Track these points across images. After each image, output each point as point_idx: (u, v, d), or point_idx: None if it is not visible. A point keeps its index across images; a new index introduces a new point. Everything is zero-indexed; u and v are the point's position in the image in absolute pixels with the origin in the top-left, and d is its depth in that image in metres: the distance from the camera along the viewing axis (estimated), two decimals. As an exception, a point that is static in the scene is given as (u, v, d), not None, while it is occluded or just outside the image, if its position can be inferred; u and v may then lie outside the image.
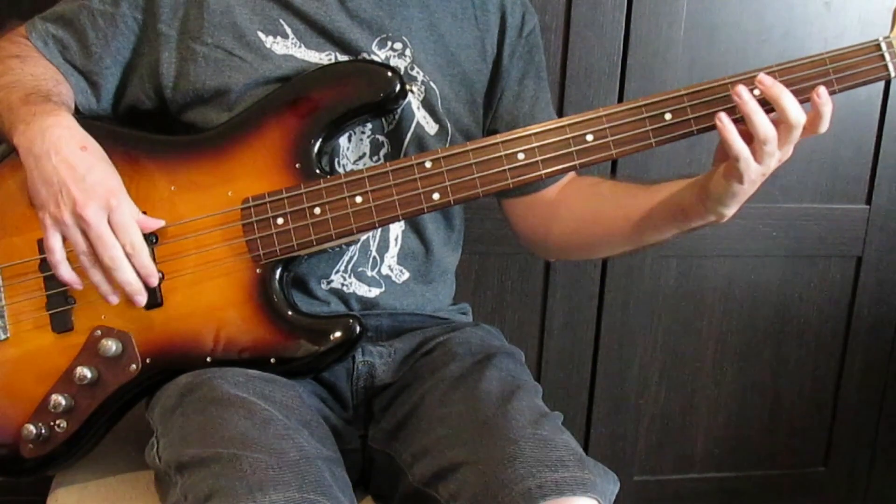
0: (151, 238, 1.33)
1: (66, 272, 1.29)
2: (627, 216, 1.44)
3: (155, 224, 1.32)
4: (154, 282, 1.31)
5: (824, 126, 1.25)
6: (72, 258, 1.28)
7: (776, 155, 1.25)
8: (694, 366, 2.40)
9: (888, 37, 1.27)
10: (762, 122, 1.23)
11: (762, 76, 1.24)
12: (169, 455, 1.24)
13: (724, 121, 1.24)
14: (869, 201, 2.33)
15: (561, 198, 1.55)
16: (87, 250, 1.26)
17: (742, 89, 1.24)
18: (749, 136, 1.24)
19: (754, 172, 1.25)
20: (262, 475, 1.12)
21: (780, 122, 1.23)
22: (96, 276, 1.28)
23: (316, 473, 1.16)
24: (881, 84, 2.24)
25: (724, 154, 1.26)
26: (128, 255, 1.27)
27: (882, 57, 1.27)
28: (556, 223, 1.54)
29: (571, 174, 1.57)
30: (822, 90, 1.24)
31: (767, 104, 1.24)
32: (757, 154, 1.24)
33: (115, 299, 1.31)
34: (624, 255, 2.13)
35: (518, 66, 1.54)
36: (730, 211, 1.32)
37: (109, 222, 1.26)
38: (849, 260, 2.37)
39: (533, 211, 1.56)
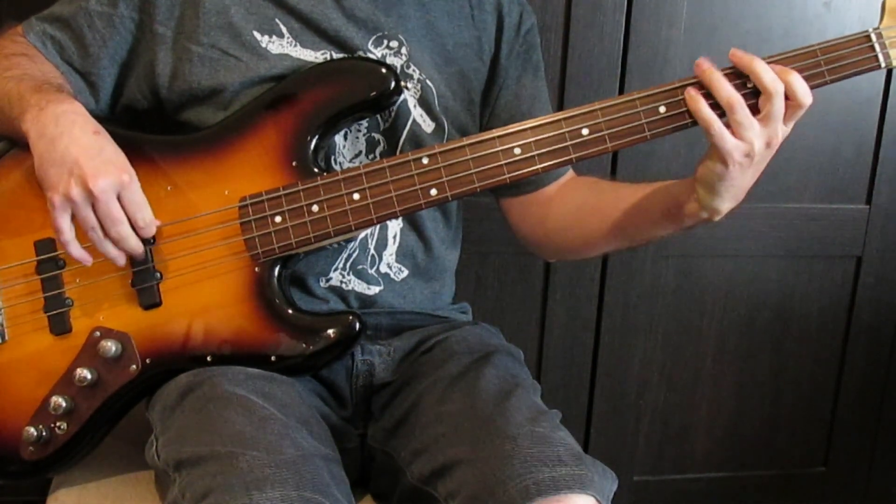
0: (149, 238, 1.33)
1: (76, 250, 1.29)
2: (625, 209, 1.43)
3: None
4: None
5: (801, 94, 1.23)
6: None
7: (754, 128, 1.23)
8: (694, 366, 2.40)
9: (878, 28, 1.28)
10: (724, 88, 1.24)
11: (733, 50, 1.25)
12: (167, 453, 1.24)
13: (692, 93, 1.26)
14: (869, 201, 2.33)
15: (559, 195, 1.55)
16: (97, 226, 1.26)
17: (703, 60, 1.26)
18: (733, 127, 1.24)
19: (735, 150, 1.24)
20: (259, 473, 1.12)
21: (761, 93, 1.24)
22: (108, 250, 1.29)
23: (313, 472, 1.16)
24: (881, 84, 2.25)
25: None
26: (138, 230, 1.28)
27: (872, 48, 1.28)
28: (554, 219, 1.54)
29: (570, 174, 1.57)
30: (777, 69, 1.24)
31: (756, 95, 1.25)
32: (732, 126, 1.24)
33: (122, 261, 1.31)
34: (622, 252, 2.15)
35: (516, 65, 1.54)
36: (722, 204, 1.30)
37: (120, 199, 1.27)
38: (849, 260, 2.37)
39: (531, 209, 1.56)
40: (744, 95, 1.24)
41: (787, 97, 1.24)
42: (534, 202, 1.56)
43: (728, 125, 1.24)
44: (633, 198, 1.43)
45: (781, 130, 1.26)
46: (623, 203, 1.44)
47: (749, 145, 1.24)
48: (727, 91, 1.24)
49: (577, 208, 1.52)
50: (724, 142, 1.23)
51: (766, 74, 1.23)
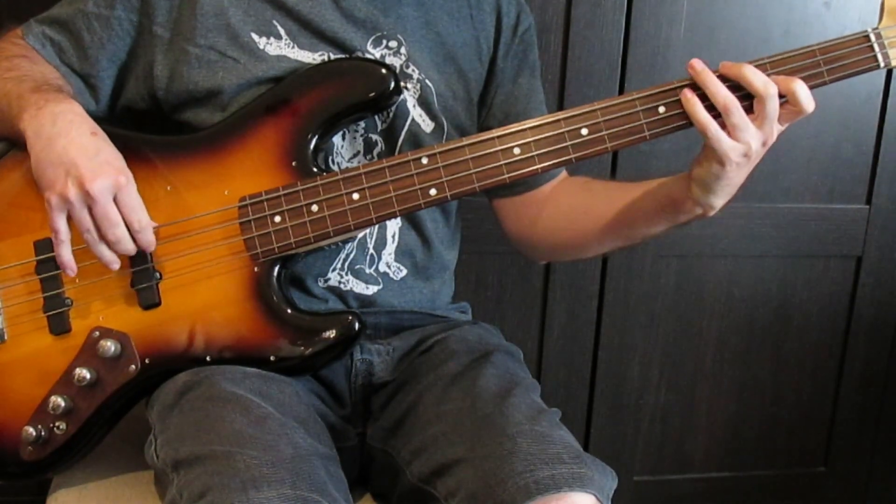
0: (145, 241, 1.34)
1: (66, 254, 1.29)
2: (618, 209, 1.44)
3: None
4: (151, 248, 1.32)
5: (804, 102, 1.24)
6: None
7: (750, 130, 1.25)
8: (694, 366, 2.39)
9: (877, 28, 1.28)
10: (719, 90, 1.25)
11: (723, 62, 1.26)
12: (166, 453, 1.24)
13: (688, 95, 1.27)
14: (869, 201, 2.33)
15: (552, 195, 1.55)
16: (92, 228, 1.27)
17: (696, 62, 1.26)
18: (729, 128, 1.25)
19: (732, 151, 1.25)
20: (256, 472, 1.12)
21: (753, 95, 1.24)
22: (102, 252, 1.29)
23: (310, 471, 1.16)
24: (881, 84, 2.24)
25: None
26: (134, 233, 1.28)
27: (871, 48, 1.28)
28: (547, 220, 1.55)
29: (564, 174, 1.57)
30: (780, 79, 1.25)
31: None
32: (728, 129, 1.25)
33: (117, 266, 1.31)
34: (622, 252, 2.14)
35: (512, 65, 1.54)
36: (717, 201, 1.32)
37: (116, 201, 1.27)
38: (849, 260, 2.37)
39: (524, 210, 1.57)
40: (739, 97, 1.25)
41: (789, 103, 1.25)
42: (527, 202, 1.56)
43: (724, 126, 1.25)
44: (627, 197, 1.43)
45: (777, 130, 1.27)
46: (616, 203, 1.44)
47: (746, 146, 1.25)
48: (723, 94, 1.25)
49: (569, 209, 1.52)
50: (720, 144, 1.25)
51: (757, 78, 1.24)
